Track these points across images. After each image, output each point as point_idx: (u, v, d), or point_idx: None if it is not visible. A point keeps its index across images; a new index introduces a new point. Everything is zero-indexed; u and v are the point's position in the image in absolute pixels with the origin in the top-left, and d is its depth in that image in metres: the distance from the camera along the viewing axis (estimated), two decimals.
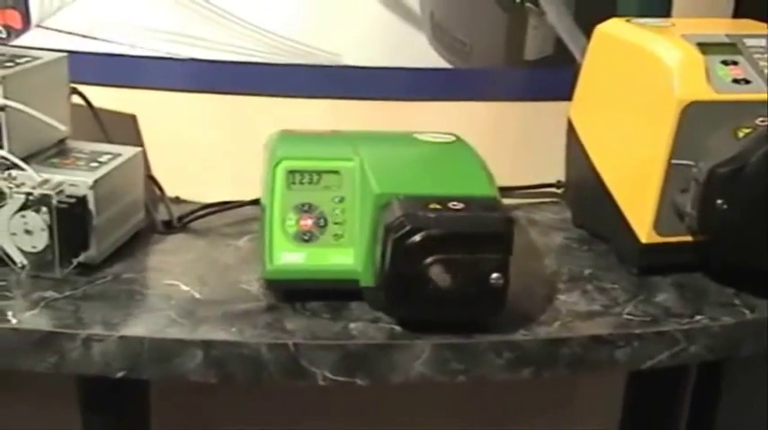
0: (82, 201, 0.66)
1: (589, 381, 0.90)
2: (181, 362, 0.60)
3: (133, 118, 0.82)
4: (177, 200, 0.82)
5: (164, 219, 0.78)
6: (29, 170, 0.65)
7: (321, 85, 0.80)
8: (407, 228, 0.58)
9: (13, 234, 0.65)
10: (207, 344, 0.60)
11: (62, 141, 0.74)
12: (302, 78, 0.80)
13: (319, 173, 0.66)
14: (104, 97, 0.80)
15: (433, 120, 0.81)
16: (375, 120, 0.81)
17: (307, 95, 0.81)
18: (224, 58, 0.79)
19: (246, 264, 0.72)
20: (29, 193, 0.65)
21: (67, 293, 0.65)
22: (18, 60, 0.70)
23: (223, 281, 0.69)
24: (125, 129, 0.82)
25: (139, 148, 0.74)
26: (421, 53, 0.81)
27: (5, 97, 0.65)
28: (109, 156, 0.72)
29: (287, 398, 0.99)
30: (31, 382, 0.91)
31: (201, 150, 0.83)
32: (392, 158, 0.68)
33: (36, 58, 0.71)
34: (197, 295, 0.66)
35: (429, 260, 0.58)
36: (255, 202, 0.78)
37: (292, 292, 0.65)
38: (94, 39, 0.79)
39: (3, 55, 0.71)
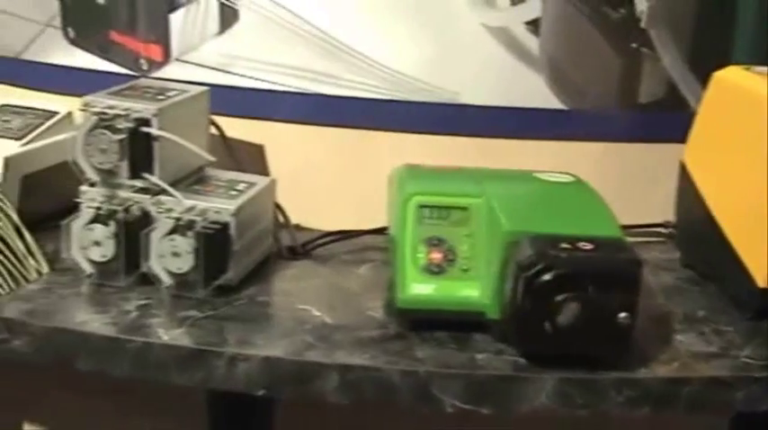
0: (225, 227, 0.71)
1: (693, 422, 0.91)
2: (318, 383, 0.64)
3: (260, 148, 0.87)
4: (297, 227, 0.87)
5: (288, 245, 0.83)
6: (178, 196, 0.70)
7: (440, 122, 0.84)
8: (539, 266, 0.61)
9: (161, 256, 0.70)
10: (344, 368, 0.64)
11: (200, 169, 0.79)
12: (422, 115, 0.84)
13: (448, 208, 0.69)
14: (235, 127, 0.85)
15: (546, 159, 0.84)
16: (490, 157, 0.84)
17: (425, 131, 0.85)
18: (349, 93, 0.84)
19: (370, 291, 0.76)
20: (178, 218, 0.70)
21: (209, 313, 0.69)
22: (168, 93, 0.75)
23: (350, 307, 0.73)
24: (253, 158, 0.86)
25: (272, 178, 0.79)
26: (536, 93, 0.84)
27: (159, 128, 0.71)
28: (245, 185, 0.76)
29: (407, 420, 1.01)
30: (156, 396, 0.96)
31: (323, 180, 0.87)
32: (517, 196, 0.71)
33: (183, 91, 0.76)
34: (328, 320, 0.70)
35: (559, 298, 0.61)
36: (376, 232, 0.83)
37: (419, 322, 0.69)
38: (229, 73, 0.85)
39: (151, 87, 0.77)
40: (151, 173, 0.71)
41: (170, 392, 0.76)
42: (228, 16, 0.83)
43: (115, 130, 0.70)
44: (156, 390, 0.86)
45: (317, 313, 0.71)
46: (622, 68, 0.84)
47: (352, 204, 0.87)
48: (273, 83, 0.84)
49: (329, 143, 0.86)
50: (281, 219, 0.84)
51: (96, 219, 0.71)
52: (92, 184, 0.71)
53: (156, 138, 0.70)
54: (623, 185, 0.89)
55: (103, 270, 0.72)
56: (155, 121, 0.70)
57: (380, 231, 0.83)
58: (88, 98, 0.71)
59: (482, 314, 0.67)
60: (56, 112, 0.86)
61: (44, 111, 0.86)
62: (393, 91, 0.83)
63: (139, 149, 0.70)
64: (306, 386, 0.64)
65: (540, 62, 0.83)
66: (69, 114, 0.87)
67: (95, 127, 0.70)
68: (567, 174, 0.77)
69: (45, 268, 0.74)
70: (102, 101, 0.70)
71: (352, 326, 0.69)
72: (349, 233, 0.83)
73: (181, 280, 0.71)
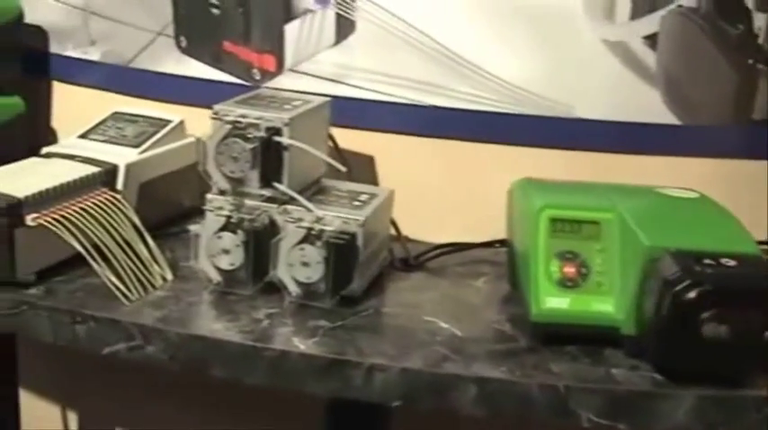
0: (353, 237, 0.71)
1: None
2: (455, 395, 0.64)
3: (371, 158, 0.87)
4: (406, 239, 0.87)
5: (401, 257, 0.82)
6: (310, 206, 0.71)
7: (553, 136, 0.84)
8: (687, 282, 0.60)
9: (290, 265, 0.71)
10: (482, 381, 0.63)
11: (318, 179, 0.79)
12: (536, 129, 0.84)
13: (579, 222, 0.69)
14: (347, 138, 0.85)
15: (659, 174, 0.83)
16: (603, 172, 0.83)
17: (538, 145, 0.84)
18: (462, 106, 0.84)
19: (490, 304, 0.76)
20: (309, 228, 0.70)
21: (339, 323, 0.69)
22: (293, 103, 0.76)
23: (476, 320, 0.72)
24: (363, 169, 0.87)
25: (391, 189, 0.79)
26: (650, 108, 0.83)
27: (290, 137, 0.71)
28: (367, 196, 0.77)
29: None
30: (267, 403, 0.97)
31: (432, 192, 0.87)
32: (648, 211, 0.70)
33: (306, 101, 0.77)
34: (458, 332, 0.69)
35: (705, 315, 0.61)
36: (488, 245, 0.83)
37: (550, 335, 0.68)
38: (342, 83, 0.85)
39: (275, 97, 0.77)
40: (280, 182, 0.71)
41: (279, 399, 0.76)
42: (345, 27, 0.84)
43: (246, 139, 0.71)
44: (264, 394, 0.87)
45: (445, 325, 0.71)
46: (738, 84, 0.83)
47: (460, 217, 0.87)
48: (387, 94, 0.84)
49: (439, 155, 0.86)
50: (392, 231, 0.84)
51: (225, 228, 0.71)
52: (222, 192, 0.72)
53: (287, 147, 0.71)
54: (735, 201, 0.88)
55: (230, 278, 0.72)
56: (286, 131, 0.70)
57: (492, 245, 0.83)
58: (218, 107, 0.72)
59: (616, 329, 0.66)
60: (168, 121, 0.87)
61: (156, 119, 0.87)
62: (507, 104, 0.83)
63: (270, 158, 0.70)
64: (442, 398, 0.64)
65: (656, 77, 0.82)
66: (182, 123, 0.88)
67: (228, 135, 0.70)
68: (688, 189, 0.77)
69: (169, 275, 0.75)
70: (234, 109, 0.71)
71: (482, 338, 0.69)
72: (462, 246, 0.83)
73: (308, 289, 0.71)
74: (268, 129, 0.70)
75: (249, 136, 0.70)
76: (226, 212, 0.71)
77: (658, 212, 0.71)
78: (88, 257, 0.70)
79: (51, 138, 1.00)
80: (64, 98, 0.99)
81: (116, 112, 0.89)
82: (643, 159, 0.84)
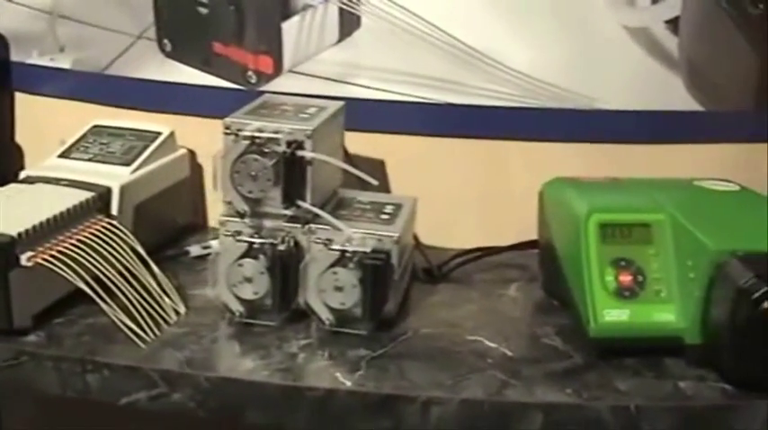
0: (388, 256, 0.65)
1: None
2: (520, 425, 0.59)
3: (381, 163, 0.81)
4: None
5: (423, 267, 0.77)
6: (340, 226, 0.64)
7: (574, 129, 0.79)
8: (764, 290, 0.57)
9: (322, 290, 0.64)
10: (549, 407, 0.58)
11: (335, 192, 0.73)
12: (556, 122, 0.79)
13: (629, 226, 0.65)
14: (355, 142, 0.79)
15: (684, 162, 0.80)
16: (626, 163, 0.80)
17: (559, 139, 0.80)
18: (479, 102, 0.79)
19: (531, 316, 0.71)
20: (343, 250, 0.63)
21: (380, 352, 0.63)
22: (307, 110, 0.69)
23: (521, 335, 0.67)
24: (374, 174, 0.80)
25: (414, 198, 0.73)
26: (672, 96, 0.80)
27: (313, 150, 0.65)
28: (392, 207, 0.70)
29: None
30: None
31: (447, 195, 0.81)
32: (697, 209, 0.66)
33: (321, 108, 0.70)
34: (508, 352, 0.64)
35: None
36: (516, 248, 0.78)
37: (608, 349, 0.64)
38: (348, 84, 0.79)
39: (284, 104, 0.70)
40: (303, 199, 0.65)
41: None
42: (349, 23, 0.77)
43: (264, 155, 0.64)
44: None
45: (492, 344, 0.65)
46: (761, 66, 0.80)
47: (478, 219, 0.81)
48: (398, 93, 0.78)
49: (455, 155, 0.81)
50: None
51: (246, 254, 0.65)
52: (239, 214, 0.65)
53: (311, 161, 0.64)
54: (760, 187, 0.86)
55: (252, 308, 0.66)
56: (308, 143, 0.64)
57: (522, 248, 0.78)
58: (230, 120, 0.64)
59: (679, 339, 0.62)
60: (157, 133, 0.79)
61: (143, 131, 0.79)
62: (525, 98, 0.78)
63: (293, 175, 0.64)
64: (505, 428, 0.59)
65: (679, 63, 0.78)
66: (172, 134, 0.80)
67: (245, 152, 0.63)
68: (724, 180, 0.74)
69: (182, 307, 0.67)
70: (248, 122, 0.64)
71: (535, 357, 0.64)
72: (489, 251, 0.78)
73: (341, 315, 0.65)
74: (289, 143, 0.64)
75: (267, 151, 0.64)
76: (246, 238, 0.64)
77: (707, 210, 0.67)
78: (95, 297, 0.62)
79: (17, 155, 0.91)
80: (29, 110, 0.89)
81: (96, 126, 0.80)
82: (668, 148, 0.80)
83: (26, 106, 0.90)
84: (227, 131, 0.64)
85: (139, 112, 0.83)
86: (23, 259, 0.61)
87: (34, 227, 0.63)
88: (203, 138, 0.82)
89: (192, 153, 0.83)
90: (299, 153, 0.63)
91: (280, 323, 0.66)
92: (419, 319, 0.69)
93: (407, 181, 0.81)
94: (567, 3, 0.76)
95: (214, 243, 0.80)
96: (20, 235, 0.61)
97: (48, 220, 0.64)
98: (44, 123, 0.89)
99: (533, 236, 0.77)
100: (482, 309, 0.71)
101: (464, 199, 0.82)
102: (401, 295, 0.70)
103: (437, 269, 0.77)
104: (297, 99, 0.72)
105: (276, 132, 0.64)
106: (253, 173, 0.63)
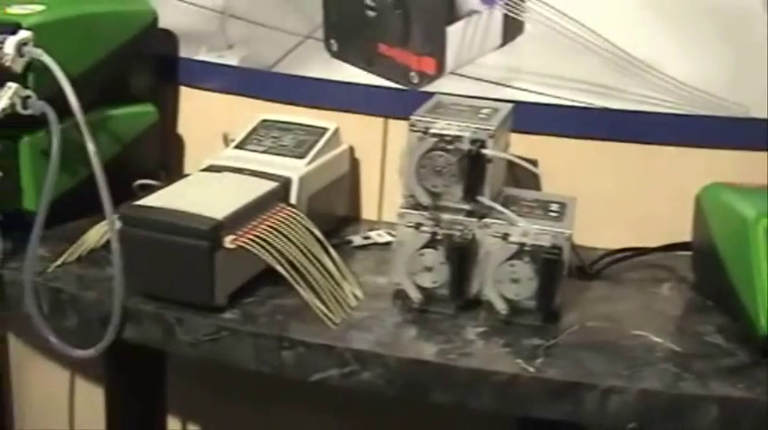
0: (561, 251, 0.68)
1: None
2: (694, 417, 0.62)
3: (534, 163, 0.85)
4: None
5: (576, 265, 0.80)
6: (517, 220, 0.68)
7: (729, 137, 0.81)
8: None
9: (499, 281, 0.68)
10: (724, 400, 0.61)
11: (501, 189, 0.76)
12: (710, 129, 0.81)
13: None
14: (512, 142, 0.82)
15: None
16: None
17: (712, 146, 0.82)
18: (634, 107, 0.82)
19: (689, 314, 0.74)
20: (522, 244, 0.67)
21: (552, 342, 0.67)
22: (482, 111, 0.72)
23: (684, 332, 0.70)
24: (527, 173, 0.84)
25: (573, 197, 0.76)
26: None
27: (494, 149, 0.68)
28: (557, 205, 0.74)
29: None
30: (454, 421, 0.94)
31: (600, 196, 0.84)
32: None
33: (494, 109, 0.73)
34: (675, 348, 0.67)
35: None
36: (663, 249, 0.81)
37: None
38: (508, 87, 0.82)
39: (458, 105, 0.74)
40: (482, 195, 0.69)
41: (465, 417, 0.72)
42: (512, 28, 0.80)
43: (448, 152, 0.68)
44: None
45: (657, 339, 0.68)
46: None
47: (626, 221, 0.84)
48: (556, 96, 0.81)
49: (607, 158, 0.83)
50: None
51: (427, 244, 0.69)
52: (419, 206, 0.69)
53: (491, 159, 0.68)
54: None
55: (429, 295, 0.70)
56: (490, 142, 0.68)
57: (673, 249, 0.81)
58: (415, 118, 0.68)
59: None
60: (325, 128, 0.83)
61: (311, 127, 0.84)
62: (681, 105, 0.80)
63: (475, 171, 0.68)
64: (679, 420, 0.62)
65: None
66: (337, 130, 0.84)
67: (432, 149, 0.67)
68: None
69: (359, 292, 0.72)
70: (434, 121, 0.68)
71: (702, 353, 0.66)
72: (640, 251, 0.81)
73: (515, 306, 0.69)
74: (473, 141, 0.67)
75: (451, 148, 0.68)
76: (428, 229, 0.68)
77: None
78: (290, 279, 0.67)
79: (178, 146, 0.97)
80: (192, 104, 0.95)
81: (265, 120, 0.85)
82: None
83: (189, 99, 0.96)
84: (414, 129, 0.68)
85: (301, 108, 0.88)
86: (227, 241, 0.66)
87: (236, 212, 0.68)
88: (361, 134, 0.87)
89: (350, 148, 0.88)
90: (483, 151, 0.67)
91: (454, 311, 0.70)
92: (582, 314, 0.72)
93: (560, 182, 0.83)
94: (726, 11, 0.78)
95: (373, 234, 0.85)
96: (225, 218, 0.66)
97: (245, 206, 0.69)
98: (205, 116, 0.95)
99: (680, 238, 0.80)
100: (640, 305, 0.74)
101: (614, 200, 0.84)
102: (563, 289, 0.73)
103: (588, 266, 0.80)
104: (468, 100, 0.75)
105: (461, 131, 0.68)
106: (438, 168, 0.68)
